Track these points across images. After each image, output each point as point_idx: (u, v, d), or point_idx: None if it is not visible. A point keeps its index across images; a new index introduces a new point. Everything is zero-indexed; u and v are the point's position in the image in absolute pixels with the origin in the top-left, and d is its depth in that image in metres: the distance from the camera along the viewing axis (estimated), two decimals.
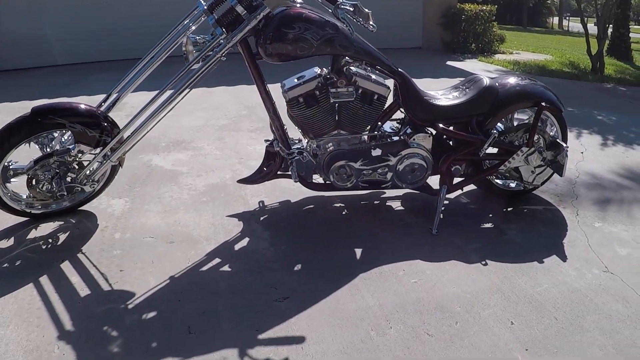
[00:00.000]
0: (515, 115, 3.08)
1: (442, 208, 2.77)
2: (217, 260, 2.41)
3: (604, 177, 3.51)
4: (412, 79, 2.79)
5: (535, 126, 2.82)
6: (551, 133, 3.01)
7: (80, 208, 2.84)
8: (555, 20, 36.68)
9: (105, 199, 3.00)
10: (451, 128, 2.79)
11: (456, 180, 2.90)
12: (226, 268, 2.35)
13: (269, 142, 2.82)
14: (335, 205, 2.98)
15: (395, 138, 2.77)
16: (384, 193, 3.13)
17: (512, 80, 2.93)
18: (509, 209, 2.98)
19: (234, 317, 2.00)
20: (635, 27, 24.13)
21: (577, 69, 7.70)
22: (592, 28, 8.70)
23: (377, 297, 2.14)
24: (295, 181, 2.69)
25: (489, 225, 2.79)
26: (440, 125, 2.75)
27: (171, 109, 2.49)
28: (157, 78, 2.86)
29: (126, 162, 3.48)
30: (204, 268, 2.34)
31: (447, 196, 3.09)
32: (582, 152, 4.02)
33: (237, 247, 2.53)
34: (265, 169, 2.83)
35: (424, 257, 2.44)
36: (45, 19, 8.04)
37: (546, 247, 2.56)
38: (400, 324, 1.98)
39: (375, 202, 3.04)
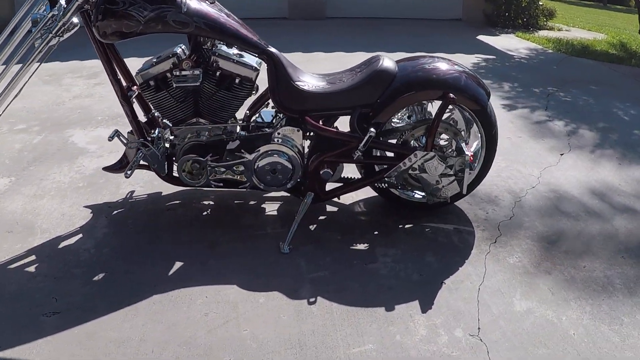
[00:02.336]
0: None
1: (300, 219, 2.22)
2: (29, 259, 2.10)
3: (567, 195, 2.74)
4: (286, 59, 2.22)
5: (435, 124, 2.16)
6: (478, 135, 2.33)
7: None
8: None
9: None
10: (340, 122, 2.22)
11: (335, 185, 2.33)
12: (30, 269, 2.03)
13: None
14: (205, 202, 2.51)
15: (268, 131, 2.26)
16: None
17: (420, 62, 2.26)
18: (406, 226, 2.36)
19: None
20: None
21: (625, 51, 6.48)
22: None
23: (146, 329, 1.72)
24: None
25: (362, 246, 2.20)
26: (307, 117, 2.18)
27: (21, 88, 2.13)
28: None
29: (48, 136, 3.29)
30: (11, 266, 2.03)
31: (341, 202, 2.52)
32: (561, 155, 3.21)
33: (63, 244, 2.19)
34: (126, 157, 2.43)
35: (246, 284, 1.94)
36: None
37: (414, 286, 1.96)
38: None
39: (252, 202, 2.53)
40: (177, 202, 2.52)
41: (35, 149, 3.09)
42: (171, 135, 2.27)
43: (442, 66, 2.24)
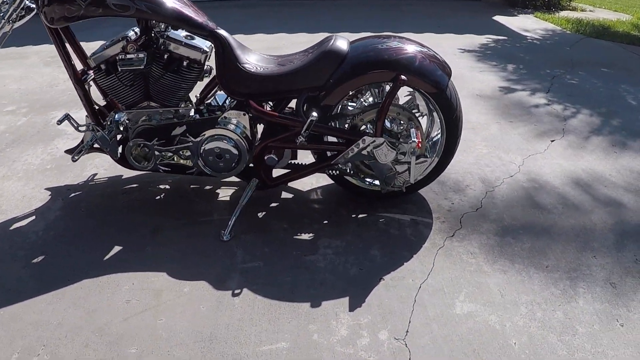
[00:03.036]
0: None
1: (241, 208, 2.16)
2: None
3: (546, 185, 2.55)
4: (236, 41, 2.13)
5: (384, 108, 2.03)
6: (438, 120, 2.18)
7: None
8: None
9: None
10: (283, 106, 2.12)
11: (284, 171, 2.24)
12: None
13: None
14: (161, 186, 2.48)
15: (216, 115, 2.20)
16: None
17: (374, 42, 2.12)
18: (360, 216, 2.25)
19: None
20: None
21: None
22: None
23: (67, 313, 1.73)
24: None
25: (307, 236, 2.11)
26: (251, 101, 2.09)
27: None
28: None
29: (33, 118, 3.35)
30: None
31: (298, 189, 2.43)
32: (551, 141, 3.00)
33: (15, 225, 2.21)
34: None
35: (176, 272, 1.89)
36: None
37: (349, 281, 1.86)
38: (48, 354, 1.54)
39: (208, 187, 2.47)
40: (135, 185, 2.50)
41: (17, 131, 3.13)
42: (126, 119, 2.24)
43: (396, 46, 2.09)
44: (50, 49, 4.74)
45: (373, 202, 2.33)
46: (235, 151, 2.13)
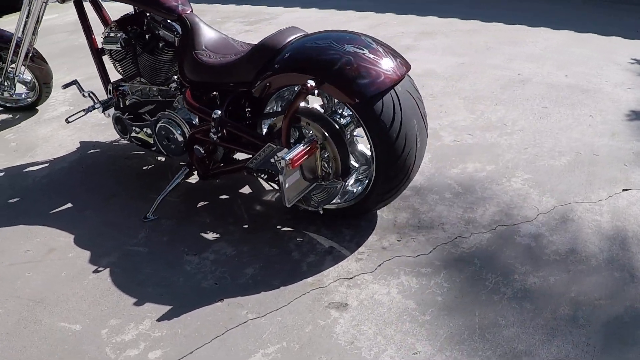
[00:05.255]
0: None
1: (168, 191, 2.18)
2: None
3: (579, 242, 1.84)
4: (205, 26, 2.14)
5: (287, 115, 1.76)
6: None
7: None
8: None
9: None
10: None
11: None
12: None
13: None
14: (160, 158, 2.62)
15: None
16: None
17: (311, 38, 1.84)
18: (284, 228, 2.04)
19: None
20: None
21: None
22: None
23: None
24: None
25: (212, 236, 2.02)
26: (187, 89, 2.06)
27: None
28: None
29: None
30: None
31: (262, 185, 2.32)
32: (624, 190, 2.10)
33: (27, 169, 2.60)
34: None
35: (81, 237, 2.07)
36: None
37: (189, 290, 1.76)
38: None
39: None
40: (141, 153, 2.68)
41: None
42: (122, 90, 2.46)
43: (325, 44, 1.76)
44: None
45: (320, 216, 2.06)
46: (180, 137, 2.16)
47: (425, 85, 3.31)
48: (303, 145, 1.72)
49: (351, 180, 1.96)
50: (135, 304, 1.73)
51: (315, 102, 2.08)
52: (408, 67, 1.82)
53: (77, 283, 1.83)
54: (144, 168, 2.57)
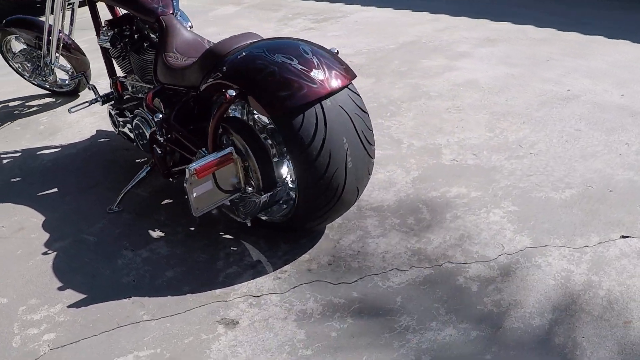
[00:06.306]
0: None
1: (131, 185, 2.25)
2: None
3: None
4: (184, 29, 2.19)
5: (212, 123, 1.71)
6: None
7: None
8: None
9: None
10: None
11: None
12: None
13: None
14: None
15: None
16: None
17: (249, 46, 1.77)
18: (226, 235, 1.99)
19: None
20: None
21: None
22: None
23: None
24: None
25: (157, 234, 2.05)
26: (153, 89, 2.11)
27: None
28: None
29: None
30: None
31: None
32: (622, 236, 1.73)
33: (42, 151, 2.82)
34: None
35: (49, 221, 2.20)
36: None
37: (107, 285, 1.80)
38: None
39: None
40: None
41: None
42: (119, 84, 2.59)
43: (258, 53, 1.68)
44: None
45: (266, 227, 1.99)
46: (147, 134, 2.22)
47: (457, 96, 3.05)
48: (213, 157, 1.67)
49: (282, 196, 1.86)
50: (60, 288, 1.81)
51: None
52: (349, 79, 1.68)
53: (24, 262, 1.97)
54: (136, 161, 2.67)
